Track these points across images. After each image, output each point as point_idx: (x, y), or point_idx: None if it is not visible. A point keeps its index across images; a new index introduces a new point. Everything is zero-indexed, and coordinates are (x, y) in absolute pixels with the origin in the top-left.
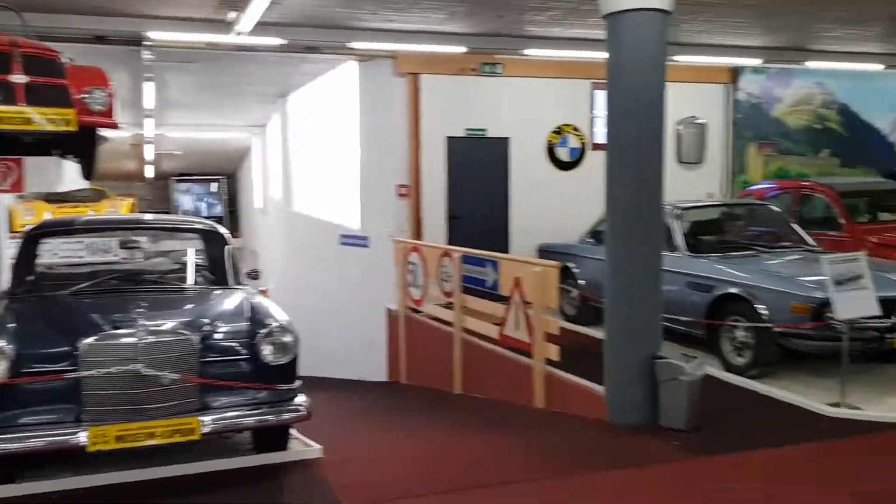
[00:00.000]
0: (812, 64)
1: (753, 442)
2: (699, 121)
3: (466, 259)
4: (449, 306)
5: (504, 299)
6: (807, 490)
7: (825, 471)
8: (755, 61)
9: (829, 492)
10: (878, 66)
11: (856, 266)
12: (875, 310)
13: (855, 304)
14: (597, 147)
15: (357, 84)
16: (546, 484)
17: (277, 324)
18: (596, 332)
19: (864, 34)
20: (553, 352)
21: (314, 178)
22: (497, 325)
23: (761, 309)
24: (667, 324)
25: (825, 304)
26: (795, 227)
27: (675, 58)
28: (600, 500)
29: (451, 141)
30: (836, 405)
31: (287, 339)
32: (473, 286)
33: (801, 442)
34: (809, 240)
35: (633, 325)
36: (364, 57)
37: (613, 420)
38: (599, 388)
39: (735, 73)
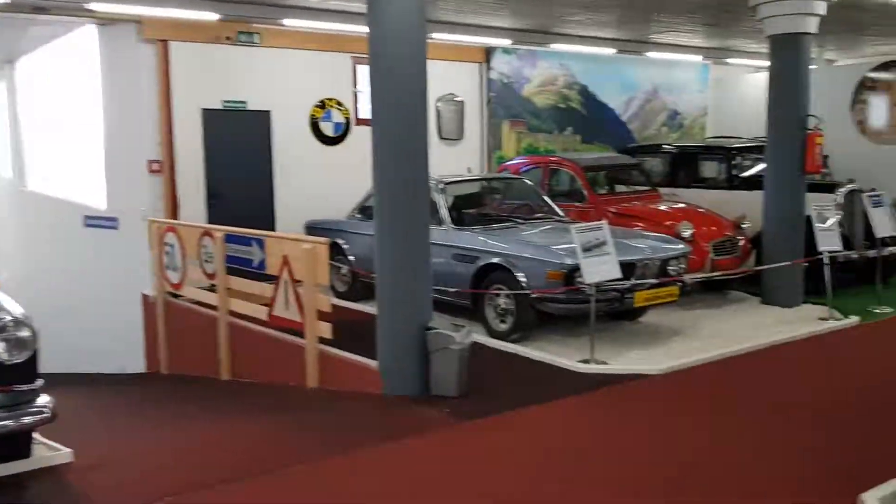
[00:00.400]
0: (556, 46)
1: (517, 402)
2: (457, 98)
3: (229, 238)
4: (212, 289)
5: (272, 279)
6: (562, 440)
7: (578, 421)
8: (505, 42)
9: (579, 438)
10: (611, 51)
11: (600, 234)
12: (617, 273)
13: (600, 269)
14: (361, 122)
15: (97, 50)
16: (325, 463)
17: (11, 318)
18: (368, 308)
19: (600, 20)
20: (325, 329)
21: (52, 155)
22: (266, 305)
23: (520, 277)
24: (436, 295)
25: (575, 270)
26: (546, 199)
27: (432, 35)
28: (378, 473)
29: (208, 114)
30: (587, 361)
31: (23, 334)
32: (238, 266)
33: (558, 398)
34: (559, 211)
35: (404, 297)
36: (104, 20)
37: (387, 393)
38: (373, 363)
39: (488, 52)
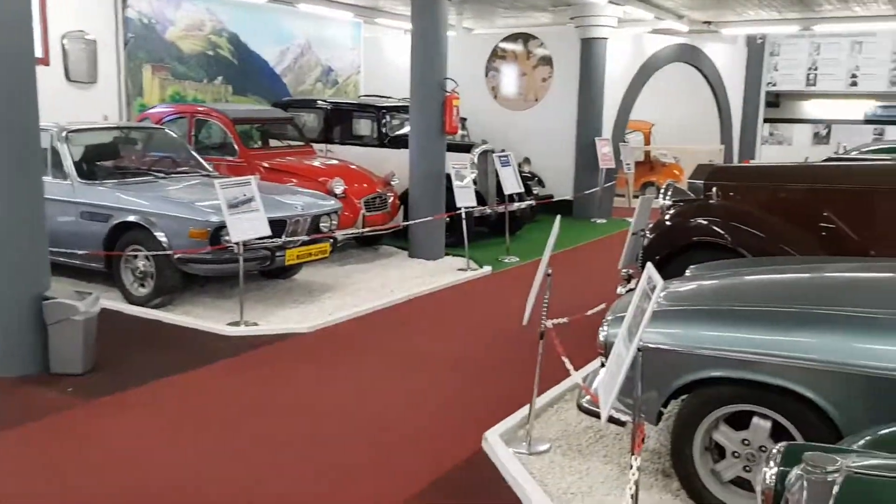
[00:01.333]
0: None
1: (158, 372)
2: (88, 36)
3: None
4: None
5: None
6: (201, 408)
7: (227, 386)
8: None
9: (220, 405)
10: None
11: (247, 189)
12: (266, 230)
13: (248, 226)
14: None
15: None
16: None
17: None
18: None
19: None
20: None
21: None
22: None
23: (161, 236)
24: (60, 259)
25: (221, 228)
26: (192, 152)
27: None
28: None
29: None
30: (237, 324)
31: None
32: None
33: (205, 364)
34: (206, 165)
35: (11, 263)
36: None
37: None
38: None
39: None
